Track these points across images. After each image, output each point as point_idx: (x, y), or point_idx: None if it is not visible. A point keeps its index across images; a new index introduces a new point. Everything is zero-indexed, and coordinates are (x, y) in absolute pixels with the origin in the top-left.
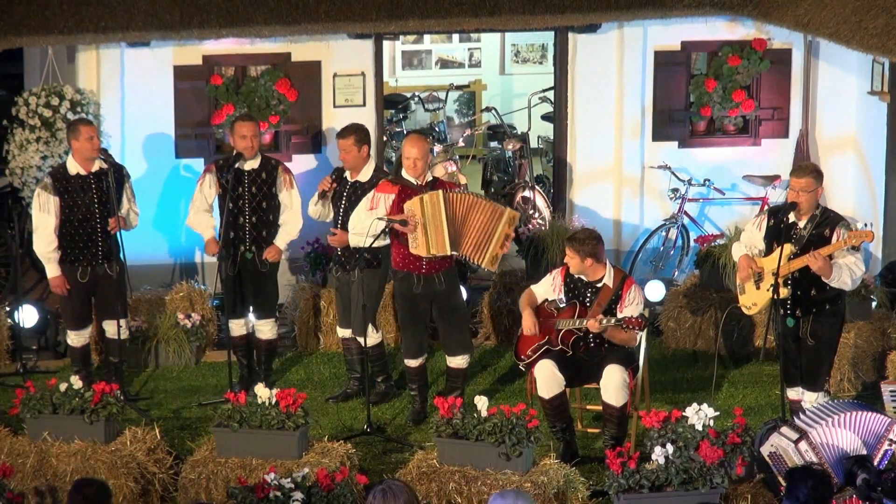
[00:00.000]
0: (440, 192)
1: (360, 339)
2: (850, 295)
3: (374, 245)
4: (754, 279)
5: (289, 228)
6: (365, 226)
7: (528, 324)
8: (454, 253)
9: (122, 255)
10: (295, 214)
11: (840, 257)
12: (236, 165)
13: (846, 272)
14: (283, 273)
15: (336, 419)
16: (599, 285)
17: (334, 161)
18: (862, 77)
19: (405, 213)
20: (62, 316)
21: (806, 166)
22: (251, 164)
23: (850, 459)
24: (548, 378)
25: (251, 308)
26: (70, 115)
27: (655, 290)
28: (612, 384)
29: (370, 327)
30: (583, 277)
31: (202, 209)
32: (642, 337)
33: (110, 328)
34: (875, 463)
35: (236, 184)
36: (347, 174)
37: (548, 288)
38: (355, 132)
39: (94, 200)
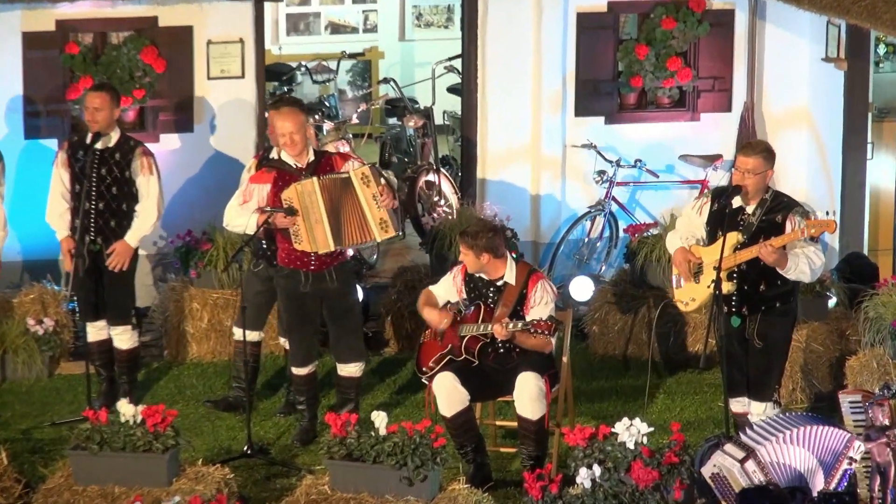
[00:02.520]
0: (313, 179)
1: (285, 342)
2: (803, 292)
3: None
4: (692, 272)
5: (141, 221)
6: (238, 223)
7: (433, 317)
8: (338, 247)
9: None
10: (150, 205)
11: (797, 247)
12: (92, 144)
13: (804, 261)
14: (148, 272)
15: (212, 439)
16: (500, 284)
17: (208, 142)
18: (815, 42)
19: (284, 205)
20: None
21: (756, 144)
22: (104, 143)
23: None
24: (448, 393)
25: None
26: None
27: (582, 288)
28: (527, 394)
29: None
30: (482, 276)
31: (61, 200)
32: (565, 342)
33: None
34: (832, 486)
35: (85, 165)
36: (274, 153)
37: (449, 288)
38: (294, 105)
39: None
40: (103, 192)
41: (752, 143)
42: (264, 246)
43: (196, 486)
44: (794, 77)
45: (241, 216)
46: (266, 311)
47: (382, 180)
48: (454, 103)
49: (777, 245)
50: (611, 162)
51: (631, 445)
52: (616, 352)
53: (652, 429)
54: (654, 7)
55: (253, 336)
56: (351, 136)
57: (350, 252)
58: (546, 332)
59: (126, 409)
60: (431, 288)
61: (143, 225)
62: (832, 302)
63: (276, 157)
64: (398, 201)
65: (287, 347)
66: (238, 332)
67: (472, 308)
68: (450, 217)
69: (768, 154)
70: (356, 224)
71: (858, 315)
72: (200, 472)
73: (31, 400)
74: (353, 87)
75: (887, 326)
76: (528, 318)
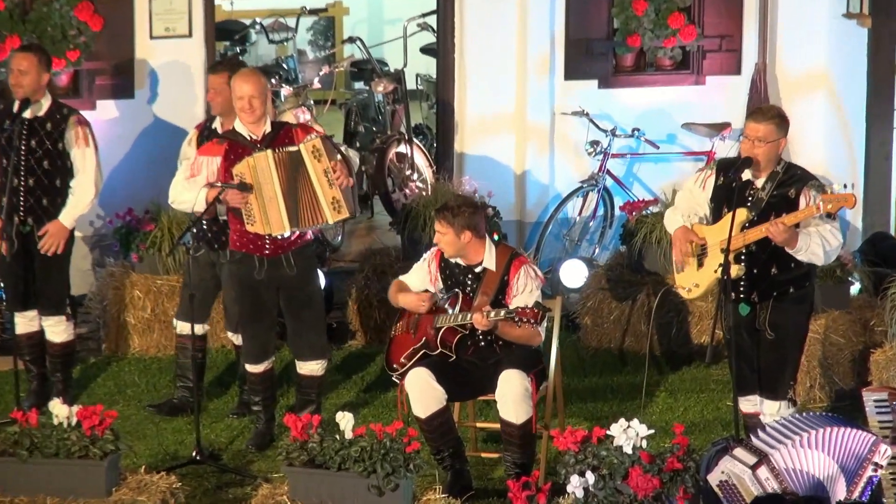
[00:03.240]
0: (268, 152)
1: (235, 337)
2: (822, 277)
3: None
4: (695, 254)
5: (77, 199)
6: (186, 200)
7: (412, 301)
8: (294, 230)
9: None
10: (87, 181)
11: (811, 225)
12: (20, 113)
13: (817, 241)
14: (84, 255)
15: (156, 444)
16: (479, 270)
17: (150, 109)
18: None
19: (235, 181)
20: None
21: (766, 110)
22: (34, 111)
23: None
24: (422, 392)
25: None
26: None
27: (574, 273)
28: (511, 395)
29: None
30: (459, 261)
31: None
32: (553, 335)
33: None
34: (855, 494)
35: (13, 136)
36: (217, 123)
37: (422, 277)
38: (231, 69)
39: None
40: (33, 167)
41: (762, 108)
42: (205, 226)
43: (138, 496)
44: (811, 35)
45: (188, 191)
46: (211, 301)
47: (338, 155)
48: (428, 65)
49: (789, 223)
50: (605, 131)
51: (628, 450)
52: (611, 345)
53: (652, 431)
54: None
55: (198, 329)
56: (312, 102)
57: (310, 234)
58: (532, 321)
59: (59, 409)
60: (402, 278)
61: (80, 203)
62: (855, 288)
63: (218, 127)
64: (354, 179)
65: (237, 343)
66: (180, 326)
67: (449, 297)
68: (424, 193)
69: (781, 121)
70: (309, 204)
71: (884, 303)
72: (143, 481)
73: None
74: (315, 47)
75: None
76: (510, 307)
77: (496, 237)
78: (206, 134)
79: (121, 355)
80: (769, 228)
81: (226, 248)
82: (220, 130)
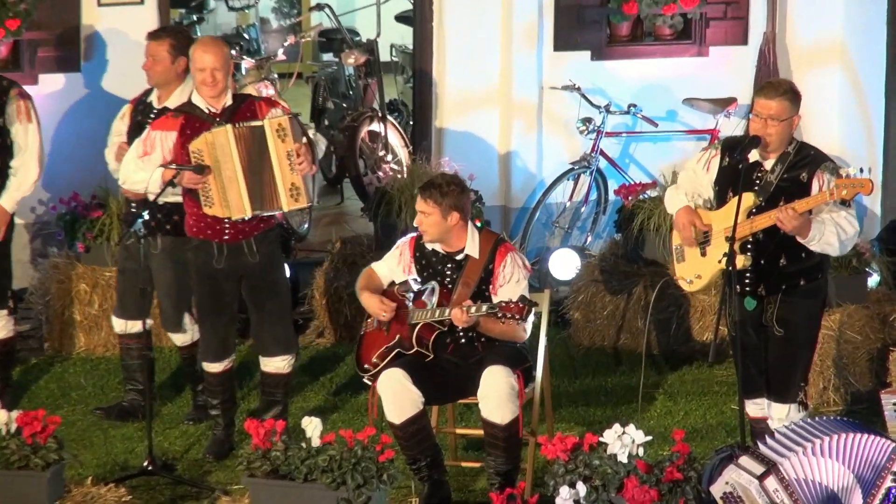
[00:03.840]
0: (227, 127)
1: (174, 336)
2: (836, 267)
3: (172, 200)
4: (698, 241)
5: (19, 181)
6: (139, 180)
7: (374, 304)
8: (257, 213)
9: None
10: (30, 160)
11: (824, 212)
12: None
13: (831, 229)
14: (24, 245)
15: (104, 453)
16: (460, 258)
17: (98, 83)
18: None
19: (192, 159)
20: None
21: (777, 84)
22: None
23: None
24: (396, 395)
25: None
26: None
27: (565, 263)
28: (495, 392)
29: (187, 317)
30: (437, 248)
31: None
32: (541, 331)
33: None
34: None
35: None
36: (154, 97)
37: (393, 266)
38: (172, 36)
39: None
40: None
41: (772, 82)
42: (133, 210)
43: None
44: (825, 1)
45: (142, 170)
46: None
47: (304, 138)
48: (404, 35)
49: (801, 209)
50: (598, 107)
51: (623, 458)
52: (605, 343)
53: (649, 438)
54: None
55: (136, 326)
56: (276, 76)
57: (275, 218)
58: (517, 317)
59: None
60: (374, 266)
61: (22, 185)
62: (873, 280)
63: (154, 100)
64: (317, 166)
65: (179, 343)
66: (119, 324)
67: (426, 289)
68: (399, 176)
69: (794, 96)
70: (270, 187)
71: None
72: (90, 494)
73: None
74: (279, 15)
75: None
76: (495, 300)
77: (478, 224)
78: (140, 108)
79: (65, 355)
80: (778, 215)
81: (156, 236)
82: (155, 104)
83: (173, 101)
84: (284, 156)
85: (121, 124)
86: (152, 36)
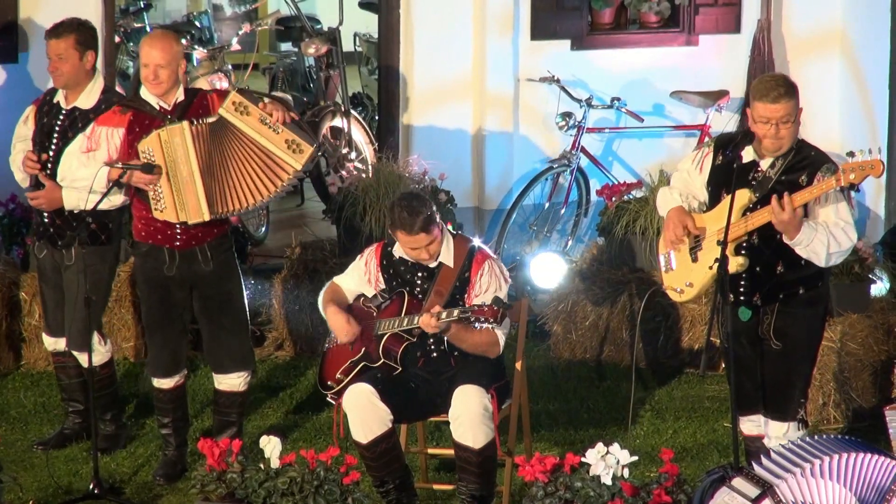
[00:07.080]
0: (184, 124)
1: (80, 356)
2: (837, 275)
3: (103, 206)
4: (689, 246)
5: None
6: (82, 177)
7: (340, 323)
8: (216, 215)
9: None
10: None
11: (821, 216)
12: None
13: (822, 238)
14: None
15: (46, 475)
16: (433, 265)
17: (40, 76)
18: None
19: (140, 157)
20: None
21: (776, 83)
22: None
23: None
24: (363, 412)
25: None
26: None
27: (548, 269)
28: (468, 414)
29: (95, 336)
30: (406, 257)
31: None
32: (518, 343)
33: None
34: None
35: None
36: (61, 97)
37: (359, 278)
38: (76, 30)
39: None
40: None
41: (768, 81)
42: (46, 220)
43: None
44: None
45: (84, 167)
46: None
47: (264, 97)
48: (369, 23)
49: (799, 201)
50: (579, 101)
51: (607, 480)
52: (587, 356)
53: (635, 458)
54: None
55: (59, 344)
56: (230, 67)
57: (231, 221)
58: (491, 320)
59: None
60: (337, 280)
61: None
62: (877, 288)
63: (61, 100)
64: (295, 112)
65: (56, 348)
66: (50, 341)
67: (394, 298)
68: (364, 176)
69: (794, 90)
70: (254, 175)
71: None
72: None
73: None
74: (233, 1)
75: None
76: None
77: (450, 227)
78: (45, 110)
79: (3, 370)
80: (774, 205)
81: (68, 246)
82: (63, 105)
83: (84, 100)
84: (259, 123)
85: (25, 128)
86: (53, 34)
